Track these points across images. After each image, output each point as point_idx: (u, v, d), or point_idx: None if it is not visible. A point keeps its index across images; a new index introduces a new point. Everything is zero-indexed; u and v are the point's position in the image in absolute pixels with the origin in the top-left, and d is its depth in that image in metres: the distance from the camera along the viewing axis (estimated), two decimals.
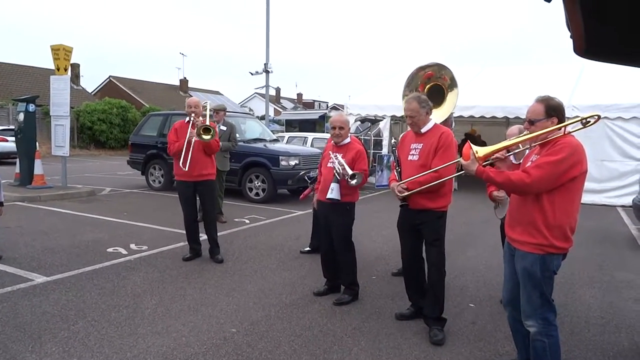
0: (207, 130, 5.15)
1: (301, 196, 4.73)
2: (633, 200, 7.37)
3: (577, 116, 2.75)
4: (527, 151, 2.88)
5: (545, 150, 2.58)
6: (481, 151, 2.65)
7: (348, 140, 4.28)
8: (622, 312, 4.19)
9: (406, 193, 3.54)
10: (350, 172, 3.96)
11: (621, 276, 5.26)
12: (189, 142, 5.22)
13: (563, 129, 2.60)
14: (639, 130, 10.23)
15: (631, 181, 10.11)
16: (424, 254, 3.77)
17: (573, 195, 2.60)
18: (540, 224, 2.58)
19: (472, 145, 2.68)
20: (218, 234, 5.59)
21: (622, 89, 10.95)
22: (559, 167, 2.50)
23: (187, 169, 5.21)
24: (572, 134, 2.62)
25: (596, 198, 10.31)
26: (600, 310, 4.24)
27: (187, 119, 5.40)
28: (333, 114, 5.09)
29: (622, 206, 9.99)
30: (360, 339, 3.49)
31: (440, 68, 4.91)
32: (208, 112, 5.46)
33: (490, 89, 12.50)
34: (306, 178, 6.08)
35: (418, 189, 3.50)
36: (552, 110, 2.62)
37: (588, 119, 2.66)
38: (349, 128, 4.30)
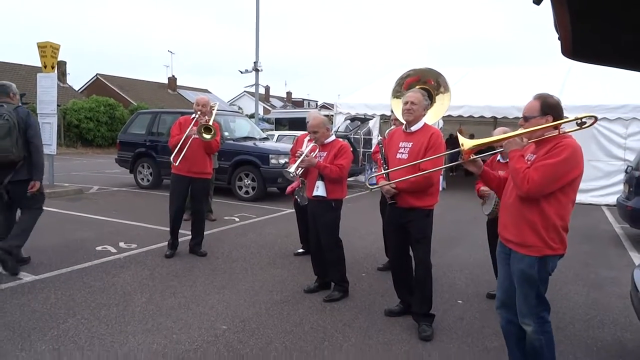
0: (208, 129, 5.28)
1: (287, 190, 4.77)
2: (617, 200, 7.50)
3: (567, 117, 2.68)
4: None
5: (545, 153, 2.51)
6: (467, 144, 2.59)
7: (332, 138, 4.35)
8: (606, 308, 4.28)
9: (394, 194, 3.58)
10: (293, 166, 4.12)
11: (605, 273, 5.36)
12: (187, 138, 5.31)
13: (558, 128, 2.54)
14: (624, 131, 10.42)
15: (616, 181, 10.27)
16: (410, 252, 3.82)
17: (569, 198, 2.56)
18: (539, 225, 2.53)
19: (460, 137, 2.65)
20: (208, 232, 5.60)
21: (607, 90, 11.14)
22: (559, 170, 2.45)
23: (177, 164, 5.30)
24: (571, 135, 2.56)
25: (581, 197, 10.43)
26: (585, 306, 4.32)
27: (193, 115, 5.51)
28: (314, 112, 5.18)
29: (607, 205, 10.16)
30: (351, 335, 3.53)
31: (423, 74, 5.09)
32: (214, 113, 5.60)
33: (478, 89, 12.62)
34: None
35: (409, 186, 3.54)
36: (548, 108, 2.57)
37: (584, 120, 2.54)
38: (328, 127, 4.35)
